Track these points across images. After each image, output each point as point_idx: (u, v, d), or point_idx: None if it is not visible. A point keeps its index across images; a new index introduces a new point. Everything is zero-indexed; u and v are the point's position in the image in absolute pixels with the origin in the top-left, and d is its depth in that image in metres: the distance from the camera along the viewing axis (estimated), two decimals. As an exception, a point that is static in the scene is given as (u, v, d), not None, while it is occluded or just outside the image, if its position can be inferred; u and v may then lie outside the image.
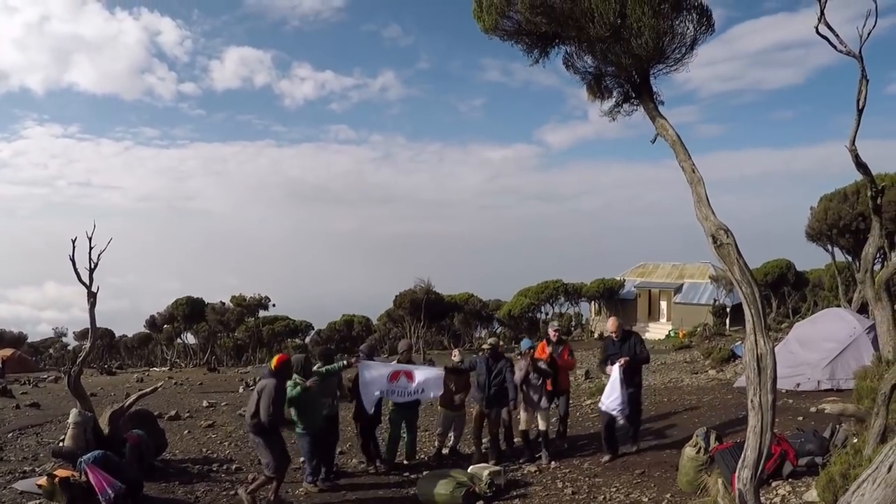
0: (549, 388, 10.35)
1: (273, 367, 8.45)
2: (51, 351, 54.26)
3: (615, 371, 9.51)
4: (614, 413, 9.51)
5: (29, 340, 53.68)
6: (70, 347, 52.91)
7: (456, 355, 10.90)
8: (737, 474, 4.75)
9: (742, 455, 4.81)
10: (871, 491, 3.13)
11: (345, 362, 10.10)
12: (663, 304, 44.49)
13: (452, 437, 10.84)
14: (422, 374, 10.24)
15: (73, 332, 54.96)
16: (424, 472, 9.50)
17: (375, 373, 10.12)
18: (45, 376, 30.85)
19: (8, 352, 37.60)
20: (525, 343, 10.80)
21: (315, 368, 9.58)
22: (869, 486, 3.15)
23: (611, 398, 9.47)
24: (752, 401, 4.76)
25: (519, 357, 10.55)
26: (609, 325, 10.29)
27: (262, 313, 45.44)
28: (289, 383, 8.82)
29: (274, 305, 45.60)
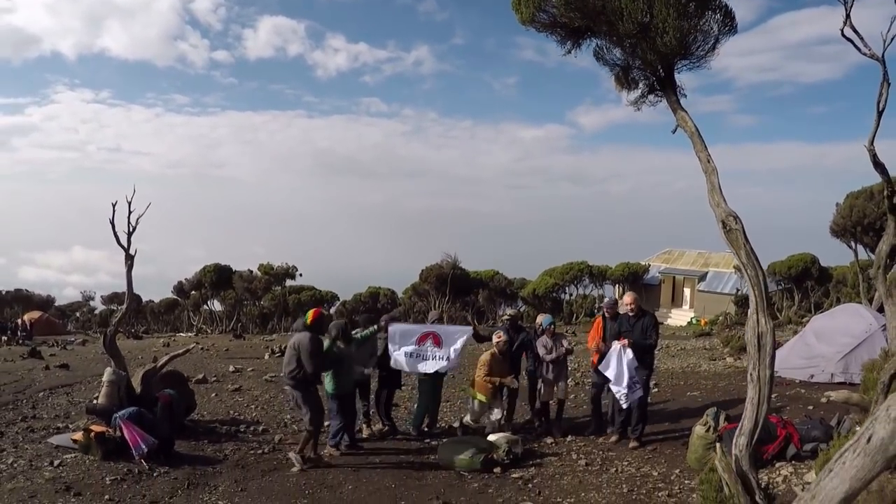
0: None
1: (308, 322, 8.85)
2: (77, 314, 55.04)
3: (617, 350, 9.29)
4: (623, 395, 9.28)
5: (56, 304, 54.67)
6: (97, 311, 53.71)
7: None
8: (734, 441, 5.07)
9: (739, 424, 5.16)
10: (852, 459, 3.44)
11: (375, 326, 10.33)
12: (687, 292, 44.51)
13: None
14: (449, 340, 10.23)
15: (101, 296, 56.05)
16: (444, 440, 9.77)
17: (406, 329, 10.41)
18: (73, 339, 31.59)
19: (36, 314, 38.37)
20: (546, 319, 10.51)
21: (354, 334, 9.88)
22: (850, 455, 3.45)
23: (617, 378, 9.26)
24: (751, 375, 5.12)
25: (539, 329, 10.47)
26: (626, 298, 9.81)
27: (288, 282, 45.51)
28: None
29: (301, 275, 45.54)
